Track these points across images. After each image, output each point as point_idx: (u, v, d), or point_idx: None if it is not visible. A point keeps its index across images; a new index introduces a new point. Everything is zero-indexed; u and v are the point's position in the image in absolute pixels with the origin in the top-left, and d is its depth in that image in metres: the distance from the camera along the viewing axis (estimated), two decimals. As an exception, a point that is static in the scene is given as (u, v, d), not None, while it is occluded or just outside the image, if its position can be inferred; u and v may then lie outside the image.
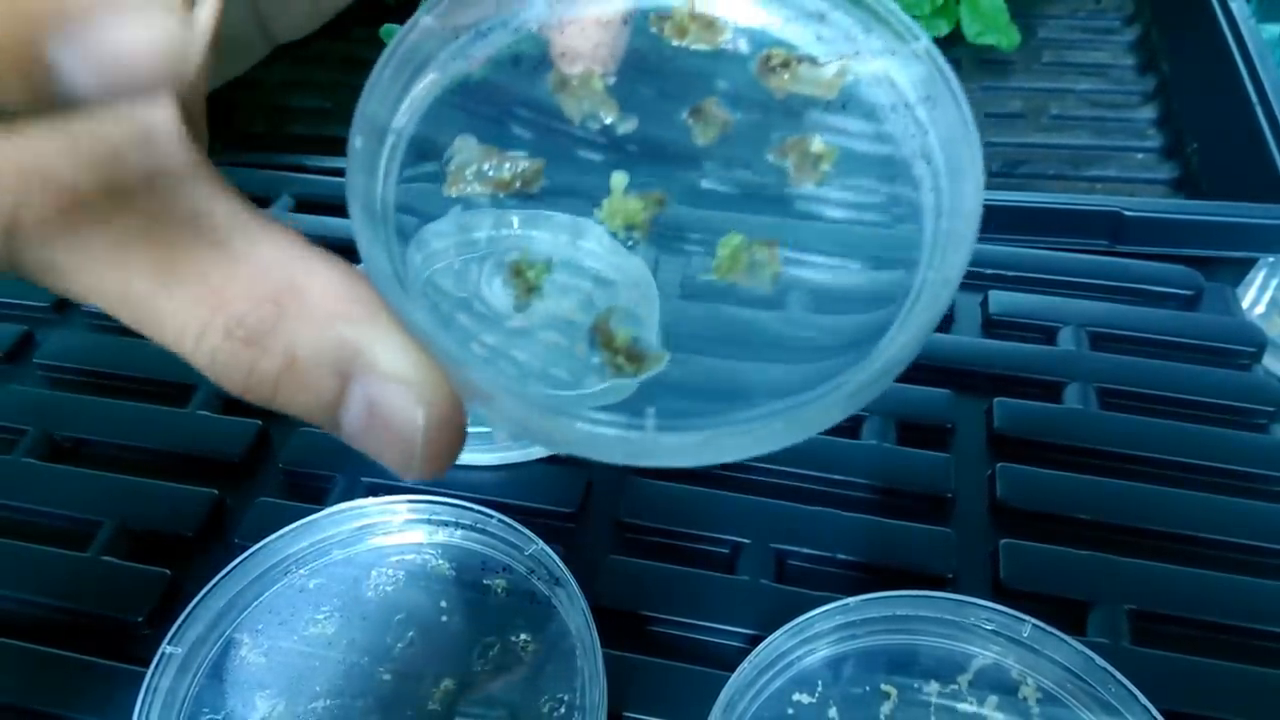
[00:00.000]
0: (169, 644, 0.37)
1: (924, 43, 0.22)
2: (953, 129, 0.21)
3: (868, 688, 0.36)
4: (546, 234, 0.26)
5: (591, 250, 0.26)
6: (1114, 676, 0.34)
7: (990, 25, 0.73)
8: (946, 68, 0.22)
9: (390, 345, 0.18)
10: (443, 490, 0.42)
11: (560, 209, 0.25)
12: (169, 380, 0.49)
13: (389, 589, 0.40)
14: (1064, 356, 0.51)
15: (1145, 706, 0.33)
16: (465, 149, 0.24)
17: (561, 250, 0.26)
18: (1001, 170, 0.77)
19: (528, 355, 0.23)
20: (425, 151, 0.23)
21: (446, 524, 0.42)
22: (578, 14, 0.24)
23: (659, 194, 0.24)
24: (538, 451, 0.46)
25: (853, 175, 0.24)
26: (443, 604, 0.40)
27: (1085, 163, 0.76)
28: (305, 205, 0.60)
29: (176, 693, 0.36)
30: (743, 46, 0.24)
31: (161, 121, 0.18)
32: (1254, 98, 0.64)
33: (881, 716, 0.36)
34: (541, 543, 0.39)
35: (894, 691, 0.36)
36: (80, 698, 0.38)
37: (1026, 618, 0.36)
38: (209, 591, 0.38)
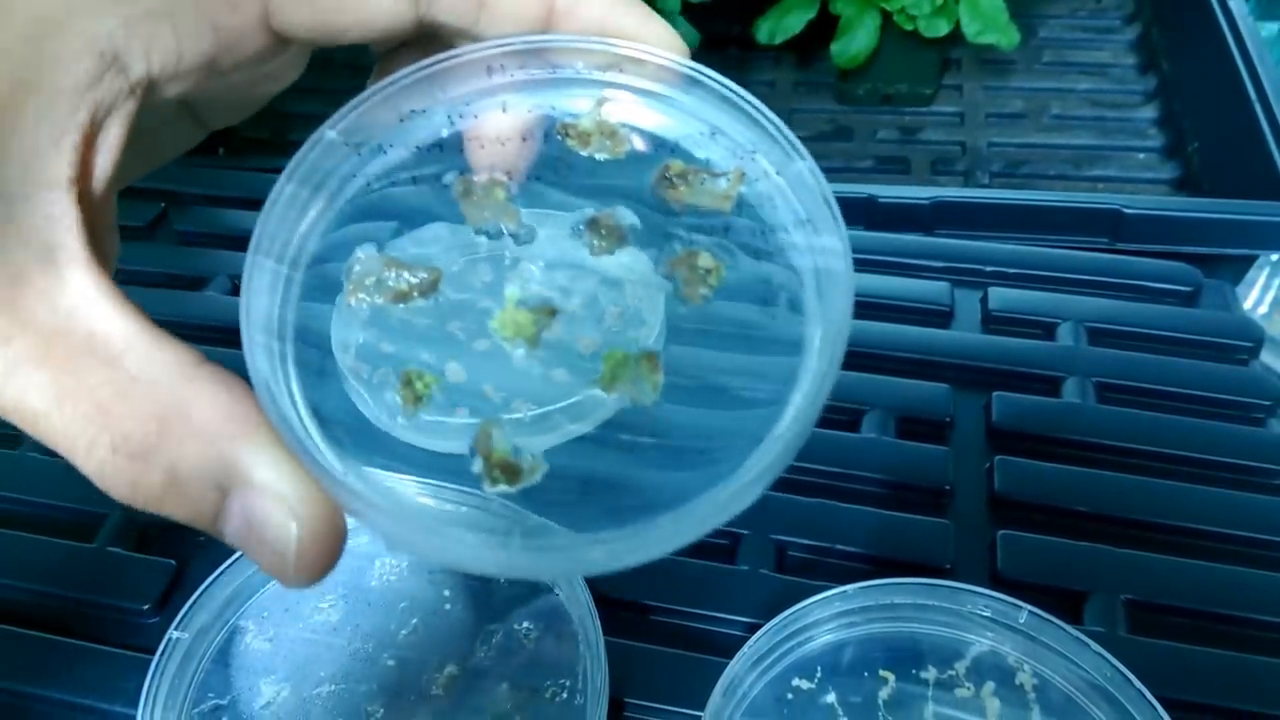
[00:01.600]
0: (175, 629, 0.37)
1: (809, 162, 0.23)
2: (830, 253, 0.22)
3: (866, 674, 0.37)
4: (552, 231, 0.27)
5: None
6: (1110, 663, 0.34)
7: (990, 24, 0.73)
8: (828, 189, 0.22)
9: (266, 460, 0.19)
10: (445, 478, 0.43)
11: (457, 317, 0.26)
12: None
13: (392, 578, 0.41)
14: (1063, 352, 0.51)
15: (1140, 692, 0.34)
16: (366, 259, 0.24)
17: (567, 250, 0.26)
18: (1003, 171, 0.77)
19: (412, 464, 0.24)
20: (327, 263, 0.23)
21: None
22: (479, 131, 0.25)
23: (551, 306, 0.25)
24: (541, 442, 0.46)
25: (738, 290, 0.25)
26: (446, 593, 0.40)
27: (1086, 162, 0.76)
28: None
29: (183, 678, 0.37)
30: (643, 157, 0.25)
31: (65, 244, 0.19)
32: (1254, 96, 0.65)
33: (879, 702, 0.36)
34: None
35: (892, 677, 0.37)
36: (88, 683, 0.39)
37: (1023, 605, 0.36)
38: (216, 578, 0.39)
